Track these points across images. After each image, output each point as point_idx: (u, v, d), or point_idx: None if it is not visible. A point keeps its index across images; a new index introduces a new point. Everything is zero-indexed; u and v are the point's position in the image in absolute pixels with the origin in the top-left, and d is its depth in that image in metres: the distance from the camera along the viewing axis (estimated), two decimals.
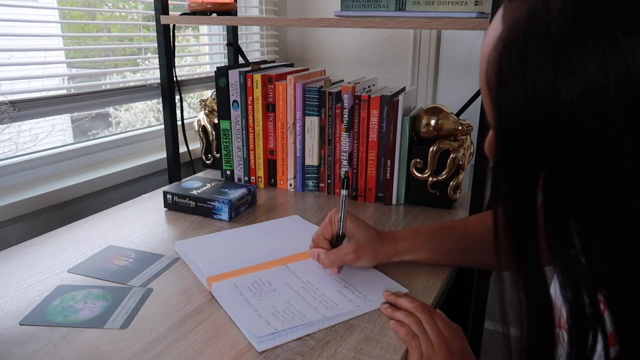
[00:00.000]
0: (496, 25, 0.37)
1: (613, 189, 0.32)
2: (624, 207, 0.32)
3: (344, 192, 0.77)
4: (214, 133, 1.28)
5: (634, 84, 0.30)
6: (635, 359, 0.35)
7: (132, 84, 1.30)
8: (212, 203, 1.00)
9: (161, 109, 1.30)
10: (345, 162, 1.12)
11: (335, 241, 0.78)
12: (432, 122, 1.04)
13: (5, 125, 1.03)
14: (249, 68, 1.19)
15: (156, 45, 1.24)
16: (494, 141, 0.38)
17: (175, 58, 1.27)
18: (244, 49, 1.49)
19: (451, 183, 1.05)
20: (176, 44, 1.26)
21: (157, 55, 1.25)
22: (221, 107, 1.19)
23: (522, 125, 0.34)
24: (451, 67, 1.56)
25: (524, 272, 0.38)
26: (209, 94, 1.38)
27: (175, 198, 1.04)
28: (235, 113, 1.18)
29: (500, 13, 0.37)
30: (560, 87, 0.32)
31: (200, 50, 1.65)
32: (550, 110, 0.32)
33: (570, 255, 0.35)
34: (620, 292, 0.34)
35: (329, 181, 1.16)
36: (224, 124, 1.20)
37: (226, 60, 1.57)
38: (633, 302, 0.34)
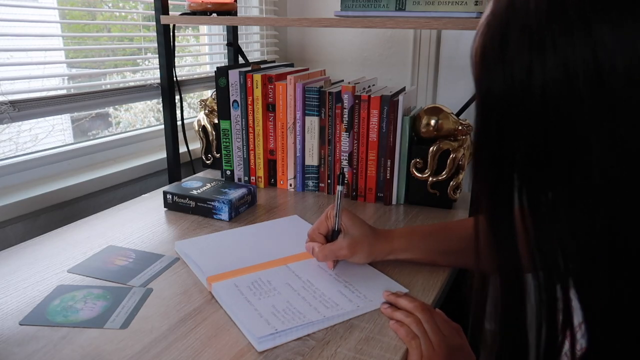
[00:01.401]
0: (488, 7, 0.39)
1: (578, 165, 0.33)
2: (586, 186, 0.33)
3: (339, 188, 0.79)
4: (214, 133, 1.28)
5: (600, 66, 0.31)
6: (603, 347, 0.36)
7: (132, 84, 1.30)
8: (212, 203, 1.00)
9: (161, 109, 1.30)
10: (345, 162, 1.12)
11: (330, 236, 0.79)
12: (432, 122, 1.04)
13: (5, 125, 1.03)
14: (249, 68, 1.19)
15: (156, 45, 1.24)
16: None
17: (175, 58, 1.27)
18: (244, 49, 1.49)
19: (451, 183, 1.05)
20: (176, 44, 1.26)
21: (157, 55, 1.25)
22: (221, 107, 1.19)
23: (500, 101, 0.36)
24: (451, 67, 1.56)
25: (500, 255, 0.39)
26: (209, 94, 1.38)
27: (175, 198, 1.04)
28: (235, 113, 1.18)
29: None
30: (534, 67, 0.33)
31: (200, 50, 1.65)
32: (524, 88, 0.34)
33: (541, 236, 0.36)
34: (587, 277, 0.35)
35: (329, 181, 1.16)
36: (224, 124, 1.20)
37: (226, 60, 1.57)
38: (600, 290, 0.35)
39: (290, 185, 1.20)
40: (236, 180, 1.23)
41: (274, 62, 1.37)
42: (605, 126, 0.32)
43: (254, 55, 1.71)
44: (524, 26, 0.34)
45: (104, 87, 1.26)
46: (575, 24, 0.32)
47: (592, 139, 0.32)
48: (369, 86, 1.16)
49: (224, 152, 1.23)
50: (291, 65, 1.35)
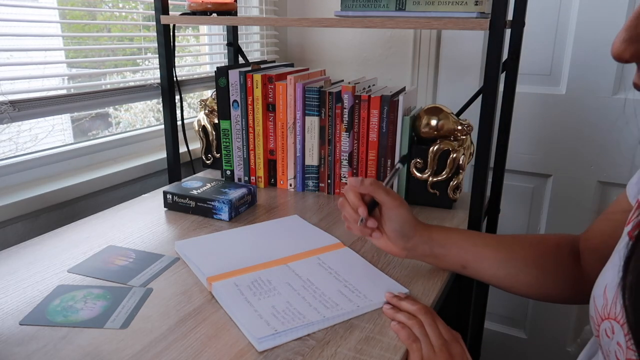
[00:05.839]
0: None
1: None
2: None
3: (399, 165, 0.80)
4: (214, 133, 1.28)
5: None
6: None
7: (132, 84, 1.30)
8: (212, 203, 1.00)
9: (161, 109, 1.30)
10: (345, 162, 1.12)
11: (369, 205, 0.75)
12: (432, 122, 1.04)
13: (5, 125, 1.03)
14: (249, 68, 1.19)
15: (156, 45, 1.24)
16: None
17: (175, 58, 1.27)
18: (244, 49, 1.49)
19: (451, 183, 1.05)
20: (176, 44, 1.26)
21: (157, 55, 1.25)
22: (221, 107, 1.19)
23: None
24: (451, 67, 1.56)
25: None
26: (209, 94, 1.38)
27: (175, 198, 1.04)
28: (235, 113, 1.18)
29: None
30: None
31: (200, 50, 1.65)
32: None
33: None
34: None
35: (329, 181, 1.16)
36: (224, 124, 1.20)
37: (226, 60, 1.57)
38: None
39: (290, 185, 1.20)
40: (236, 180, 1.23)
41: (274, 62, 1.37)
42: None
43: (254, 55, 1.71)
44: None
45: (104, 87, 1.26)
46: None
47: None
48: (369, 86, 1.16)
49: (224, 152, 1.23)
50: (291, 65, 1.35)
